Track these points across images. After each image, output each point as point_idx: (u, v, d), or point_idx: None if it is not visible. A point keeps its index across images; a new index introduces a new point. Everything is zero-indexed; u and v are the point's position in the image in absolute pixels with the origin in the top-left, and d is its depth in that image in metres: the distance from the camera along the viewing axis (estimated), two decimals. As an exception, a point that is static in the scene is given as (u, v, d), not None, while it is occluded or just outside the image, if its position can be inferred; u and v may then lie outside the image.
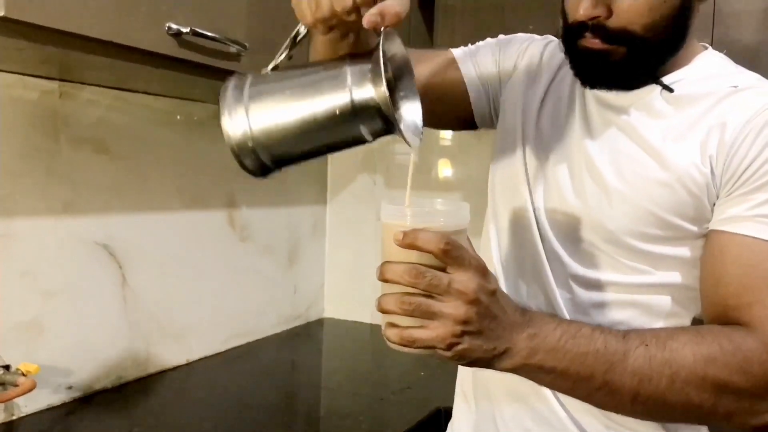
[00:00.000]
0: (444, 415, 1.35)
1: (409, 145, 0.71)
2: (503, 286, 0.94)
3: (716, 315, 0.80)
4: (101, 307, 1.41)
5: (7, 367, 1.23)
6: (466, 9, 1.75)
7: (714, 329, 0.78)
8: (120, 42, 1.00)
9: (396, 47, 0.75)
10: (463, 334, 0.68)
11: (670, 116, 0.86)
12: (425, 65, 1.01)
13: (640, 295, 0.86)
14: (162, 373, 1.55)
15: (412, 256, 0.67)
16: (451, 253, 0.66)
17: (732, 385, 0.74)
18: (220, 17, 1.16)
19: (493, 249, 0.98)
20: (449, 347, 0.68)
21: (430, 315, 0.67)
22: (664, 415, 0.80)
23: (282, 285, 1.98)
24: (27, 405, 1.28)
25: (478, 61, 1.04)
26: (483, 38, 1.09)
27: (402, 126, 0.71)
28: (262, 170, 0.75)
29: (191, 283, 1.64)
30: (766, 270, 0.77)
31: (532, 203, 0.93)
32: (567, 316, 0.87)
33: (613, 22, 0.82)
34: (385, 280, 0.68)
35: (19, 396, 1.21)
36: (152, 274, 1.53)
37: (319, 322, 2.14)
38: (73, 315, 1.35)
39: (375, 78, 0.68)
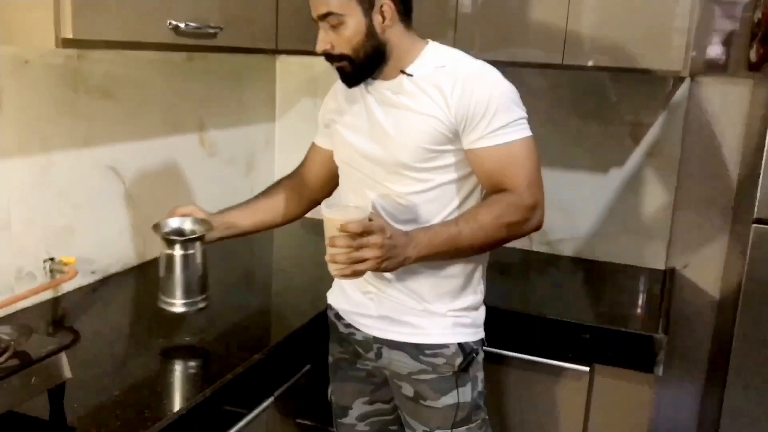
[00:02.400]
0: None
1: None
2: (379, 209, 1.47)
3: (493, 191, 1.39)
4: (112, 213, 1.90)
5: (52, 259, 1.72)
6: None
7: (494, 197, 1.37)
8: (140, 40, 1.44)
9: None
10: (382, 261, 1.26)
11: (415, 90, 1.39)
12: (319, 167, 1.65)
13: (430, 192, 1.41)
14: (155, 259, 2.06)
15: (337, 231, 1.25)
16: (365, 230, 1.24)
17: (510, 219, 1.34)
18: (202, 10, 1.58)
19: (352, 189, 1.53)
20: (377, 268, 1.26)
21: (362, 258, 1.24)
22: (490, 248, 1.41)
23: (242, 189, 2.48)
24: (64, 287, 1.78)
25: (321, 130, 1.63)
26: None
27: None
28: None
29: (175, 191, 2.13)
30: (505, 159, 1.35)
31: (357, 153, 1.47)
32: (398, 215, 1.41)
33: (335, 51, 1.38)
34: (333, 246, 1.24)
35: (65, 282, 1.71)
36: (146, 187, 2.00)
37: (271, 217, 2.66)
38: (93, 220, 1.83)
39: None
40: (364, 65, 1.39)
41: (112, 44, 1.41)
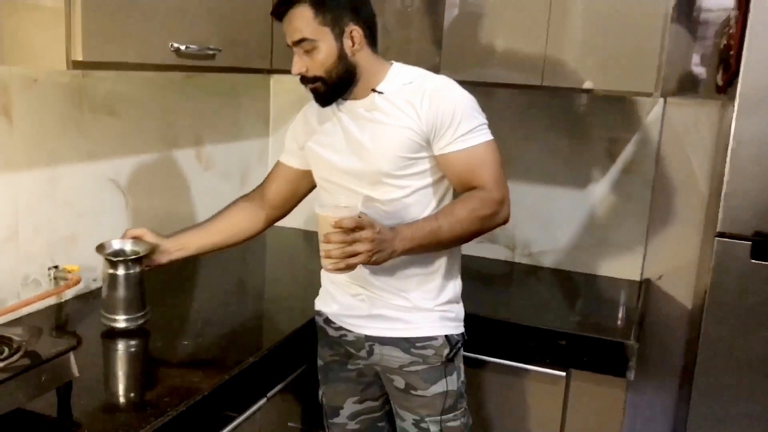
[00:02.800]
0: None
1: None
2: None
3: (464, 190, 1.52)
4: (113, 224, 1.99)
5: (56, 267, 1.81)
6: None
7: (467, 194, 1.50)
8: (144, 61, 1.54)
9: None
10: (373, 254, 1.37)
11: (387, 105, 1.53)
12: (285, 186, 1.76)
13: (410, 197, 1.54)
14: (152, 269, 2.15)
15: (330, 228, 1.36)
16: (357, 225, 1.35)
17: (483, 212, 1.48)
18: (202, 33, 1.69)
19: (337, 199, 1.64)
20: (368, 261, 1.37)
21: (355, 252, 1.35)
22: (466, 239, 1.53)
23: (236, 201, 2.57)
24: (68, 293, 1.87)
25: (289, 151, 1.74)
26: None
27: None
28: None
29: (172, 203, 2.23)
30: (472, 161, 1.50)
31: (338, 169, 1.59)
32: (382, 221, 1.50)
33: (309, 73, 1.51)
34: (328, 242, 1.35)
35: (70, 288, 1.80)
36: (146, 199, 2.10)
37: (264, 229, 2.76)
38: (95, 230, 1.92)
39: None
40: (336, 86, 1.53)
41: (119, 65, 1.52)
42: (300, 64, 1.51)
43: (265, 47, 1.96)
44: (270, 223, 1.81)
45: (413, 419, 1.63)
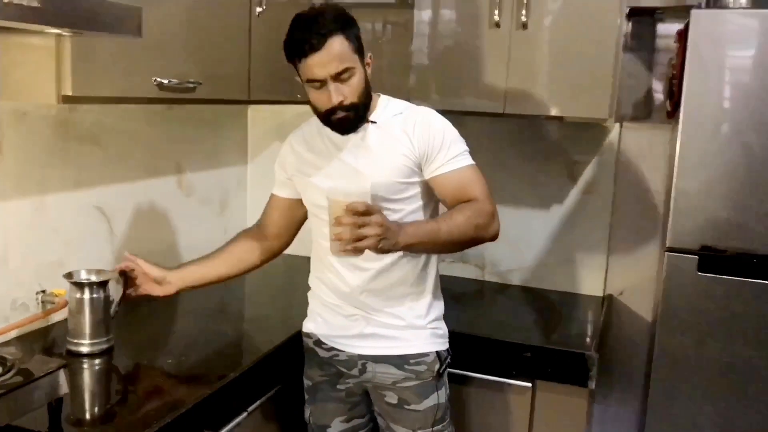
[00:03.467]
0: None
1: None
2: None
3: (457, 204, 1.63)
4: (98, 249, 2.07)
5: (44, 291, 1.89)
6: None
7: (463, 204, 1.60)
8: (129, 95, 1.65)
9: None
10: (380, 239, 1.43)
11: (382, 134, 1.64)
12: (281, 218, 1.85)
13: (407, 217, 1.63)
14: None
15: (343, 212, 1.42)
16: (369, 209, 1.42)
17: (478, 221, 1.59)
18: (183, 67, 1.80)
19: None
20: (376, 247, 1.43)
21: (365, 236, 1.41)
22: (462, 247, 1.65)
23: (216, 227, 2.67)
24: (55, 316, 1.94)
25: (280, 182, 1.82)
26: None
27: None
28: None
29: (155, 229, 2.32)
30: (464, 180, 1.62)
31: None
32: None
33: (346, 101, 1.57)
34: (339, 224, 1.41)
35: (57, 311, 1.87)
36: (129, 226, 2.19)
37: (243, 253, 2.85)
38: (81, 256, 2.01)
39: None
40: (363, 111, 1.62)
41: (105, 99, 1.63)
42: (338, 93, 1.55)
43: (243, 79, 2.07)
44: (271, 253, 1.88)
45: None
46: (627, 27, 2.35)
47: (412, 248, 1.56)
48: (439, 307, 1.77)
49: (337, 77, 1.54)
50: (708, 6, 1.95)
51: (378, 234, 1.42)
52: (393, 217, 1.61)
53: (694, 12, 1.85)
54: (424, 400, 1.71)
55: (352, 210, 1.41)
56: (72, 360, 1.69)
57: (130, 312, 2.05)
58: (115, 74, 1.59)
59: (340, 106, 1.57)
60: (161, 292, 1.78)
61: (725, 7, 1.92)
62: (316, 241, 1.77)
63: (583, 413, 2.03)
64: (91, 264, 2.03)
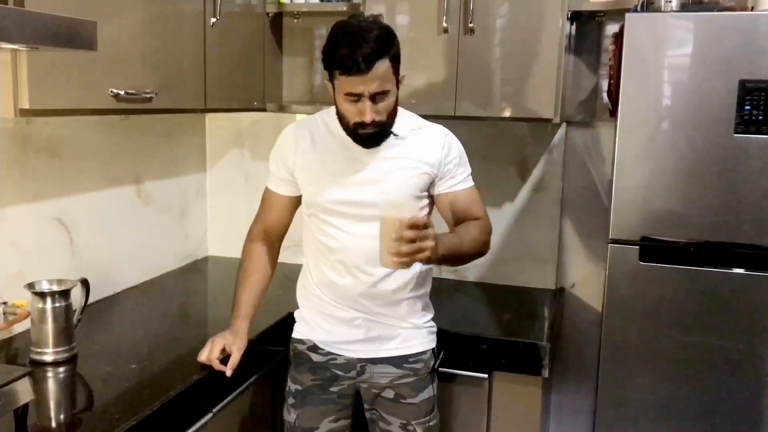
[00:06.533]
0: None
1: None
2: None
3: (458, 224, 1.72)
4: (58, 259, 2.10)
5: (5, 303, 1.90)
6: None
7: (474, 222, 1.73)
8: (86, 107, 1.68)
9: None
10: (432, 252, 1.48)
11: (402, 146, 1.71)
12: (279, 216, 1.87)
13: None
14: (98, 302, 2.25)
15: (405, 227, 1.45)
16: (427, 223, 1.48)
17: (485, 238, 1.74)
18: (138, 79, 1.84)
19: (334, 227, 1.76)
20: (428, 260, 1.50)
21: (423, 248, 1.46)
22: (469, 260, 1.74)
23: (177, 234, 2.70)
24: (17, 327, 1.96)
25: (279, 179, 1.82)
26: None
27: None
28: None
29: (115, 239, 2.34)
30: (472, 198, 1.77)
31: (341, 200, 1.72)
32: None
33: (377, 119, 1.61)
34: (401, 239, 1.44)
35: (19, 322, 1.89)
36: (89, 236, 2.21)
37: (205, 260, 2.89)
38: (42, 267, 2.03)
39: None
40: (389, 127, 1.68)
41: (63, 112, 1.66)
42: (373, 111, 1.58)
43: (199, 89, 2.12)
44: (278, 254, 1.91)
45: (400, 423, 1.80)
46: (571, 29, 2.46)
47: (441, 261, 1.61)
48: (431, 306, 1.88)
49: (374, 96, 1.58)
50: (643, 9, 2.05)
51: (433, 246, 1.47)
52: None
53: (628, 15, 1.95)
54: (420, 393, 1.80)
55: (414, 225, 1.45)
56: (36, 369, 1.72)
57: (93, 320, 2.08)
58: (71, 87, 1.63)
59: (364, 124, 1.60)
60: (244, 346, 1.78)
61: (658, 10, 2.02)
62: (315, 242, 1.79)
63: (537, 401, 2.12)
64: (52, 274, 2.06)
